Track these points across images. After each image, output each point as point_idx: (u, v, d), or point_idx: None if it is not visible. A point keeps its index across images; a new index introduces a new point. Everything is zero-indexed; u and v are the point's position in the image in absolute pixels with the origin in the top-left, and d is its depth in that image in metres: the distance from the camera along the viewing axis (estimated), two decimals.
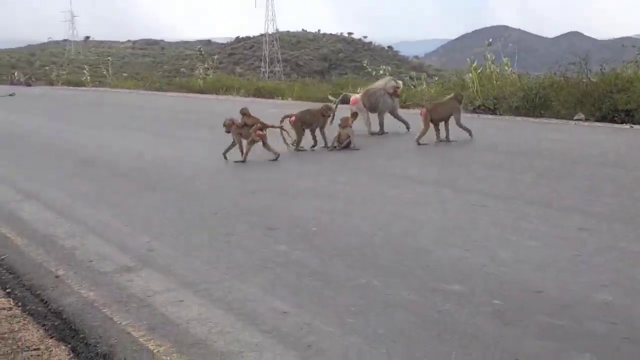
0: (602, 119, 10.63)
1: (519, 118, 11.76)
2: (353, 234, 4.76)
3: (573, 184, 6.16)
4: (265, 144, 7.80)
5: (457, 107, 8.94)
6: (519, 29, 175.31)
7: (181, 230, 5.09)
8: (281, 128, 8.47)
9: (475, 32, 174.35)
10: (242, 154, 7.87)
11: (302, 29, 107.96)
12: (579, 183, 6.17)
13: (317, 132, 8.88)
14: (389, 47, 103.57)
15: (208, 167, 7.94)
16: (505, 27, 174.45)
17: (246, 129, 7.89)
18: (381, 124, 9.94)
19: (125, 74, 43.21)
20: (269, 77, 60.77)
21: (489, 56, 13.88)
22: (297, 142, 8.63)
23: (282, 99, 20.06)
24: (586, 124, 10.51)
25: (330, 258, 4.22)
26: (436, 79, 22.83)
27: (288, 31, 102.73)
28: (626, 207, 5.27)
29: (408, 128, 9.93)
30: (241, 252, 4.46)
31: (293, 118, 8.62)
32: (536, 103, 11.88)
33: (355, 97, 10.20)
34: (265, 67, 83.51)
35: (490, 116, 12.69)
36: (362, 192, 6.21)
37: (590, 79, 11.05)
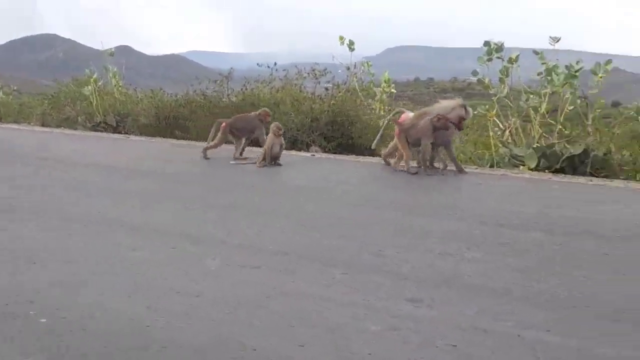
0: None
1: (153, 138, 10.72)
2: (120, 325, 2.96)
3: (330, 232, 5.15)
4: None
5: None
6: (70, 39, 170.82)
7: None
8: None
9: (24, 39, 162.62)
10: None
11: None
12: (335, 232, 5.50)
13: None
14: None
15: None
16: (56, 36, 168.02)
17: None
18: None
19: None
20: None
21: (110, 67, 12.31)
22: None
23: None
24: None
25: None
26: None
27: None
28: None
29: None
30: None
31: (224, 124, 8.08)
32: (170, 122, 11.05)
33: (406, 114, 7.61)
34: None
35: (115, 135, 11.29)
36: (86, 251, 4.03)
37: (230, 99, 10.73)
